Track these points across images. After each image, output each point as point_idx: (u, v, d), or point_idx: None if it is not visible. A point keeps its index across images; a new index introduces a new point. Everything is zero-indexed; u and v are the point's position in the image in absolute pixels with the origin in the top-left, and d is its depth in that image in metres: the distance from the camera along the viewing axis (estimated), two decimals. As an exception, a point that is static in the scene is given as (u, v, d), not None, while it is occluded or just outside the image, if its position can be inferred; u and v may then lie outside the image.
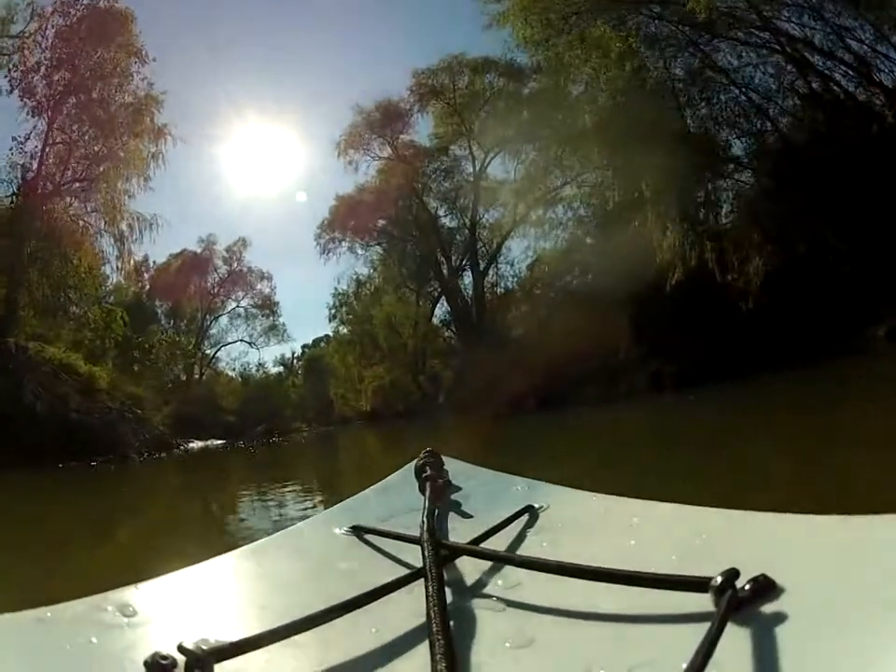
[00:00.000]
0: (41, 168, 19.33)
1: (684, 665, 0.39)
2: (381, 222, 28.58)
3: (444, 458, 1.01)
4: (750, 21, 17.00)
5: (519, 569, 0.61)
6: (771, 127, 17.74)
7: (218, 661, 0.46)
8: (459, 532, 0.79)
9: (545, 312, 21.73)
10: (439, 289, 28.32)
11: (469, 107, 24.88)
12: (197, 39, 34.72)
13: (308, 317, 52.18)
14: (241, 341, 32.87)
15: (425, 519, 0.73)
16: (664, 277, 16.57)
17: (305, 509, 5.67)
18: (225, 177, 41.51)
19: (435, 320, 29.38)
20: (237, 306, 32.49)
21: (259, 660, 0.49)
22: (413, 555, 0.68)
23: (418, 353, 28.19)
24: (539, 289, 24.10)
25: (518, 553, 0.69)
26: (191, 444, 19.88)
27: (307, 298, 53.78)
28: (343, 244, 28.65)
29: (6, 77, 18.62)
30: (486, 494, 0.93)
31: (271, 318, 33.01)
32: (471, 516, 0.86)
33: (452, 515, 0.86)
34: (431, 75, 25.37)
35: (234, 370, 33.57)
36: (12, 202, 18.92)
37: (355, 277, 30.34)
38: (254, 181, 45.85)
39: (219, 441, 21.86)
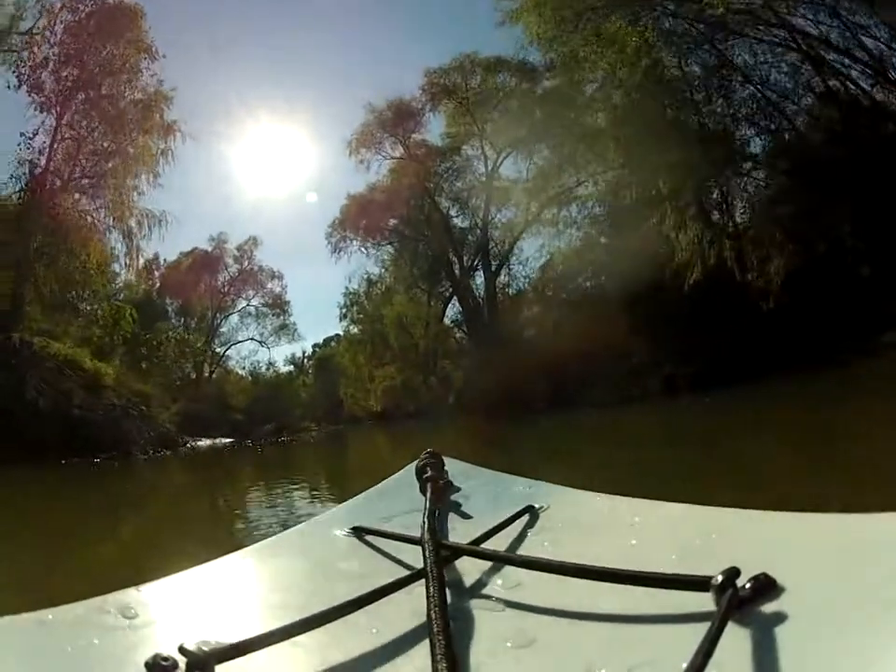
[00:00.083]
0: (49, 164, 19.33)
1: (685, 665, 0.39)
2: (392, 222, 28.48)
3: (445, 459, 1.01)
4: (766, 18, 17.02)
5: (520, 569, 0.61)
6: (787, 125, 17.59)
7: (219, 662, 0.47)
8: (460, 532, 0.79)
9: (557, 313, 21.60)
10: (450, 289, 28.13)
11: (482, 107, 24.70)
12: (207, 37, 34.86)
13: (319, 317, 51.94)
14: (251, 339, 32.72)
15: (425, 519, 0.72)
16: (681, 277, 16.38)
17: (311, 508, 5.62)
18: (236, 176, 41.72)
19: (446, 320, 29.18)
20: (248, 305, 32.36)
21: (260, 661, 0.49)
22: (414, 556, 0.67)
23: (429, 353, 27.97)
24: (552, 290, 23.93)
25: (519, 553, 0.69)
26: (198, 442, 19.79)
27: (318, 297, 53.47)
28: (355, 243, 28.52)
29: (14, 72, 18.64)
30: (487, 494, 0.93)
31: (281, 317, 32.83)
32: (472, 517, 0.86)
33: (452, 516, 0.87)
34: (443, 74, 25.31)
35: (244, 368, 33.44)
36: (20, 197, 18.91)
37: (366, 277, 30.20)
38: (265, 180, 45.90)
39: (227, 440, 21.76)
